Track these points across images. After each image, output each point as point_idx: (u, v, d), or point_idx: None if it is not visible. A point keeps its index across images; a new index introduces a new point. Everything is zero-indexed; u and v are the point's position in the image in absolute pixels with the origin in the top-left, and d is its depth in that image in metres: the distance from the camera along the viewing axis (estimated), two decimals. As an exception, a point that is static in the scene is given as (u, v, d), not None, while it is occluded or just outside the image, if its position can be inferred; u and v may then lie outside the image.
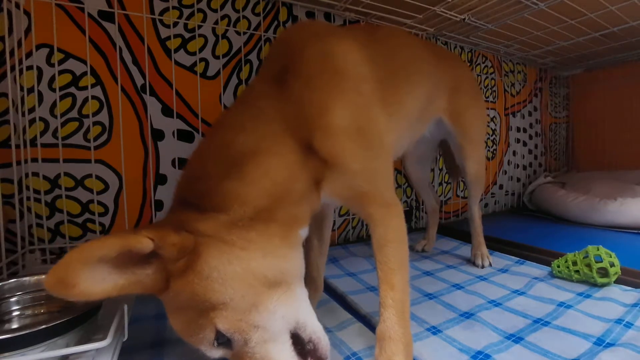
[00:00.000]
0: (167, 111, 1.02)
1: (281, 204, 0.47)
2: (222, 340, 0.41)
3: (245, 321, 0.41)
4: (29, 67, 0.86)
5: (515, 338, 0.62)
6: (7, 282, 0.59)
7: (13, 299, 0.58)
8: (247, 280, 0.41)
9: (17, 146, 0.84)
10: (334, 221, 1.30)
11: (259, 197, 0.45)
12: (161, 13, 1.00)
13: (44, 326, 0.45)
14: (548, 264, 0.95)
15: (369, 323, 0.69)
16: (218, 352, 0.42)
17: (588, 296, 0.78)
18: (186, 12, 1.03)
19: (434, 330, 0.66)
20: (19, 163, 0.84)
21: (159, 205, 1.01)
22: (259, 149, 0.48)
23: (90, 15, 0.91)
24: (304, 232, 0.51)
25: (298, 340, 0.45)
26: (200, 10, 1.05)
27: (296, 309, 0.45)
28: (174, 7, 1.01)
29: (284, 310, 0.43)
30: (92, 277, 0.35)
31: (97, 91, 0.94)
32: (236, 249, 0.42)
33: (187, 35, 1.04)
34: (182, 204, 0.46)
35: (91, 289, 0.35)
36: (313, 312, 0.47)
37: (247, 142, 0.48)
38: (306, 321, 0.45)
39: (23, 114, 0.85)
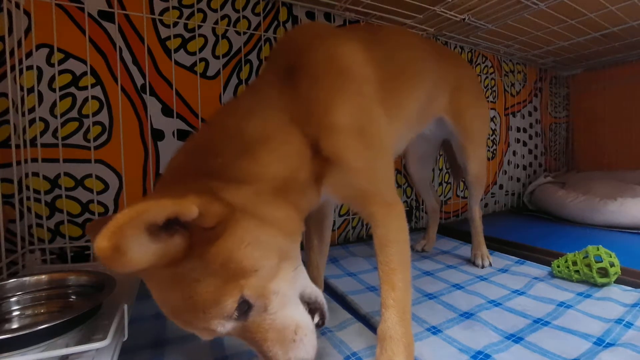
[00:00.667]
0: (167, 111, 1.02)
1: (291, 188, 0.48)
2: (243, 309, 0.41)
3: (267, 288, 0.42)
4: (29, 67, 0.86)
5: (515, 338, 0.62)
6: (7, 282, 0.59)
7: (13, 299, 0.58)
8: (277, 251, 0.44)
9: (17, 146, 0.84)
10: (334, 221, 1.30)
11: (274, 177, 0.47)
12: (161, 13, 1.00)
13: (44, 326, 0.45)
14: (548, 264, 0.95)
15: (369, 323, 0.69)
16: (229, 326, 0.41)
17: (588, 296, 0.78)
18: (186, 12, 1.03)
19: (434, 330, 0.66)
20: (19, 163, 0.84)
21: (159, 205, 1.01)
22: (271, 136, 0.49)
23: (90, 15, 0.91)
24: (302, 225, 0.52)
25: (306, 303, 0.49)
26: (200, 10, 1.05)
27: (304, 278, 0.49)
28: (174, 7, 1.01)
29: (296, 279, 0.47)
30: (138, 243, 0.32)
31: (97, 91, 0.94)
32: (268, 224, 0.43)
33: (187, 35, 1.04)
34: (193, 174, 0.45)
35: (138, 258, 0.32)
36: (312, 283, 0.52)
37: (258, 128, 0.49)
38: (312, 289, 0.50)
39: (23, 114, 0.85)
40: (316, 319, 0.49)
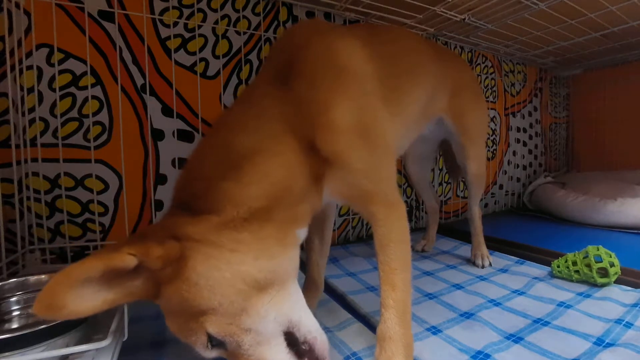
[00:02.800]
0: (167, 111, 1.02)
1: (280, 204, 0.46)
2: (216, 342, 0.41)
3: (235, 325, 0.41)
4: (29, 67, 0.86)
5: (515, 338, 0.62)
6: (7, 282, 0.59)
7: (13, 299, 0.58)
8: (236, 285, 0.40)
9: (17, 146, 0.84)
10: (334, 221, 1.30)
11: (256, 198, 0.44)
12: (161, 13, 1.00)
13: (44, 326, 0.45)
14: (548, 264, 0.95)
15: (369, 323, 0.69)
16: (213, 353, 0.43)
17: (588, 296, 0.78)
18: (186, 12, 1.03)
19: (434, 330, 0.66)
20: (19, 163, 0.84)
21: (159, 205, 1.01)
22: (258, 149, 0.47)
23: (90, 15, 0.91)
24: (302, 232, 0.50)
25: (294, 341, 0.45)
26: (200, 10, 1.05)
27: (289, 310, 0.44)
28: (174, 7, 1.01)
29: (275, 313, 0.43)
30: (80, 296, 0.35)
31: (97, 91, 0.94)
32: (225, 252, 0.41)
33: (187, 35, 1.04)
34: (177, 205, 0.46)
35: (80, 307, 0.35)
36: (308, 311, 0.47)
37: (246, 142, 0.48)
38: (300, 321, 0.45)
39: (23, 114, 0.85)
40: None
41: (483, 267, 1.00)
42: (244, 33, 1.11)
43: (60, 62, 0.89)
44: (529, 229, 1.45)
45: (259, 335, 0.42)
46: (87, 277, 0.35)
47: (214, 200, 0.44)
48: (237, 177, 0.45)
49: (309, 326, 0.45)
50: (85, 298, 0.36)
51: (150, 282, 0.40)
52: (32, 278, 0.60)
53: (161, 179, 1.02)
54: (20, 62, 0.85)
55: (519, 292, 0.82)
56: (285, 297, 0.44)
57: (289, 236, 0.47)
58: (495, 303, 0.76)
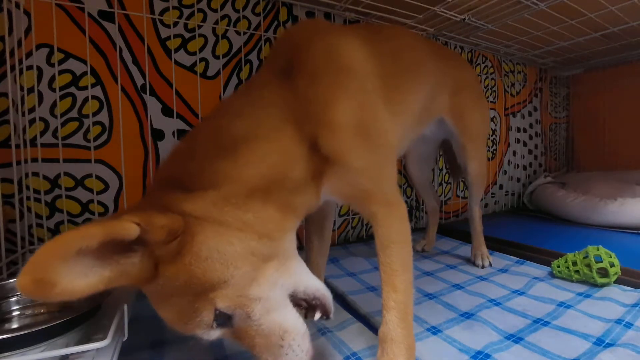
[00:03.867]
0: (167, 111, 1.02)
1: (277, 187, 0.46)
2: (221, 320, 0.41)
3: (245, 296, 0.41)
4: (29, 67, 0.86)
5: (515, 338, 0.62)
6: (7, 282, 0.59)
7: (13, 299, 0.58)
8: (247, 257, 0.41)
9: (17, 146, 0.84)
10: (334, 221, 1.30)
11: (252, 176, 0.44)
12: (161, 13, 1.00)
13: (44, 326, 0.45)
14: (548, 264, 0.95)
15: (369, 323, 0.69)
16: (216, 333, 0.42)
17: (588, 296, 0.78)
18: (186, 12, 1.03)
19: (434, 330, 0.66)
20: (19, 163, 0.84)
21: (159, 205, 1.01)
22: (256, 134, 0.47)
23: (90, 15, 0.91)
24: (296, 224, 0.51)
25: (303, 301, 0.47)
26: (200, 10, 1.05)
27: (294, 275, 0.46)
28: (174, 7, 1.01)
29: (282, 279, 0.45)
30: (74, 272, 0.31)
31: (97, 91, 0.94)
32: (233, 230, 0.41)
33: (187, 35, 1.04)
34: (163, 185, 0.44)
35: (74, 285, 0.31)
36: (312, 275, 0.49)
37: (244, 126, 0.48)
38: (307, 283, 0.47)
39: (23, 114, 0.85)
40: (317, 315, 0.48)
41: (483, 267, 1.00)
42: (244, 33, 1.11)
43: (60, 62, 0.89)
44: (529, 229, 1.45)
45: (268, 302, 0.42)
46: (84, 247, 0.31)
47: (210, 177, 0.43)
48: (233, 157, 0.45)
49: (317, 285, 0.48)
50: (79, 274, 0.31)
51: (148, 260, 0.37)
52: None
53: (161, 179, 1.02)
54: (20, 62, 0.85)
55: (519, 292, 0.82)
56: (289, 265, 0.46)
57: (287, 220, 0.47)
58: (496, 303, 0.76)
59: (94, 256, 0.33)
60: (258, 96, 0.52)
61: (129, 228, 0.33)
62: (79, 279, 0.32)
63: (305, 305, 0.47)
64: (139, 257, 0.37)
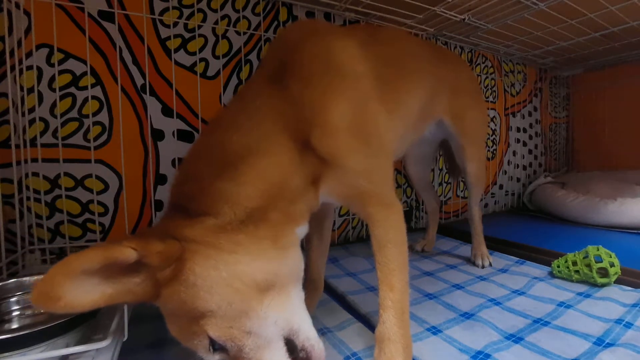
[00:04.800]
0: (167, 111, 1.02)
1: (275, 203, 0.46)
2: (218, 346, 0.41)
3: (236, 328, 0.40)
4: (29, 67, 0.86)
5: (515, 338, 0.62)
6: (7, 282, 0.59)
7: (13, 299, 0.58)
8: (234, 286, 0.40)
9: (17, 146, 0.84)
10: (334, 221, 1.30)
11: (252, 197, 0.44)
12: (161, 13, 1.00)
13: (44, 326, 0.45)
14: (548, 264, 0.95)
15: (369, 323, 0.69)
16: (216, 357, 0.42)
17: (588, 296, 0.78)
18: (186, 12, 1.03)
19: (434, 330, 0.66)
20: (19, 163, 0.84)
21: (159, 205, 1.01)
22: (253, 149, 0.47)
23: (90, 15, 0.91)
24: (301, 230, 0.50)
25: (292, 347, 0.44)
26: (200, 10, 1.05)
27: (290, 314, 0.44)
28: (174, 7, 1.01)
29: (275, 316, 0.42)
30: (78, 288, 0.35)
31: (97, 91, 0.94)
32: (223, 253, 0.41)
33: (187, 35, 1.04)
34: (173, 207, 0.46)
35: (77, 300, 0.35)
36: (308, 317, 0.46)
37: (241, 141, 0.47)
38: (300, 327, 0.44)
39: (23, 114, 0.85)
40: None
41: (483, 267, 1.00)
42: (244, 33, 1.11)
43: (60, 62, 0.89)
44: (529, 229, 1.45)
45: (260, 339, 0.41)
46: (87, 268, 0.34)
47: (210, 201, 0.44)
48: (232, 176, 0.45)
49: (308, 333, 0.44)
50: (83, 291, 0.35)
51: (150, 282, 0.40)
52: (32, 278, 0.60)
53: (161, 179, 1.02)
54: (20, 62, 0.85)
55: (519, 292, 0.82)
56: (286, 301, 0.44)
57: (286, 236, 0.46)
58: (496, 303, 0.76)
59: (99, 275, 0.36)
60: (252, 106, 0.52)
61: (126, 253, 0.36)
62: (83, 295, 0.35)
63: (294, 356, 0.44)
64: (142, 278, 0.39)
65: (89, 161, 0.93)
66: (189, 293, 0.39)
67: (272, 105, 0.51)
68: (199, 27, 1.05)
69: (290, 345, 0.44)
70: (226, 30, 1.09)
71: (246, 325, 0.40)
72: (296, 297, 0.46)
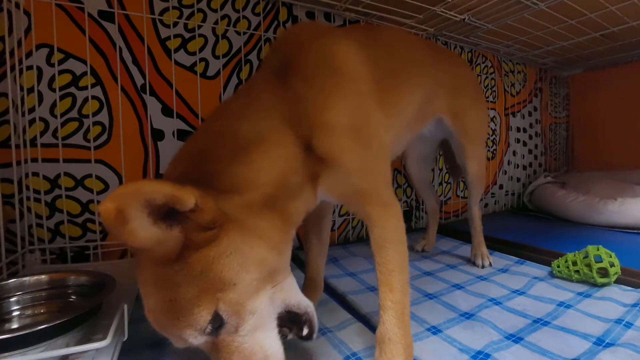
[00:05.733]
0: (167, 111, 1.02)
1: (282, 194, 0.47)
2: (216, 324, 0.40)
3: (245, 306, 0.41)
4: (29, 67, 0.86)
5: (515, 338, 0.62)
6: (7, 282, 0.59)
7: (13, 299, 0.58)
8: (259, 265, 0.42)
9: (17, 146, 0.84)
10: (334, 221, 1.30)
11: (266, 184, 0.46)
12: (161, 13, 1.00)
13: (44, 326, 0.45)
14: (548, 264, 0.95)
15: (369, 323, 0.69)
16: (201, 339, 0.41)
17: (588, 296, 0.78)
18: (186, 12, 1.03)
19: (434, 330, 0.66)
20: (19, 163, 0.84)
21: (159, 205, 1.01)
22: (264, 138, 0.48)
23: (90, 15, 0.91)
24: (293, 232, 0.51)
25: (293, 316, 0.47)
26: (200, 10, 1.05)
27: (290, 294, 0.47)
28: (174, 7, 1.01)
29: (277, 295, 0.45)
30: (139, 220, 0.33)
31: (97, 91, 0.94)
32: (255, 236, 0.42)
33: (187, 35, 1.04)
34: (188, 182, 0.44)
35: (138, 232, 0.33)
36: (300, 292, 0.50)
37: (252, 130, 0.48)
38: (299, 300, 0.48)
39: (23, 114, 0.85)
40: (305, 331, 0.48)
41: (483, 267, 1.00)
42: (244, 33, 1.11)
43: (60, 62, 0.89)
44: (529, 229, 1.45)
45: (259, 319, 0.42)
46: (153, 199, 0.33)
47: (231, 181, 0.44)
48: (248, 160, 0.46)
49: (307, 302, 0.49)
50: (142, 224, 0.34)
51: (181, 239, 0.38)
52: (32, 278, 0.60)
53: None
54: (20, 62, 0.85)
55: (519, 292, 0.82)
56: (286, 284, 0.47)
57: (289, 231, 0.49)
58: (496, 303, 0.76)
59: (149, 213, 0.34)
60: (258, 100, 0.53)
61: (188, 199, 0.35)
62: (141, 228, 0.34)
63: (289, 325, 0.47)
64: (177, 232, 0.37)
65: (89, 161, 0.93)
66: (222, 262, 0.39)
67: (277, 102, 0.52)
68: (199, 27, 1.05)
69: (291, 315, 0.47)
70: (226, 30, 1.09)
71: (254, 304, 0.42)
72: (291, 279, 0.49)
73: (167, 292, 0.39)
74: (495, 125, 1.80)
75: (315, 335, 0.49)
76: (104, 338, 0.45)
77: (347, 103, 0.53)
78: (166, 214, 0.36)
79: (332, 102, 0.52)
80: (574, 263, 0.86)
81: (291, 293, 0.48)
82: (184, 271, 0.38)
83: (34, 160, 0.87)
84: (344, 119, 0.52)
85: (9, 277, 0.61)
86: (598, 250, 0.85)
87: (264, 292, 0.43)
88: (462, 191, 1.67)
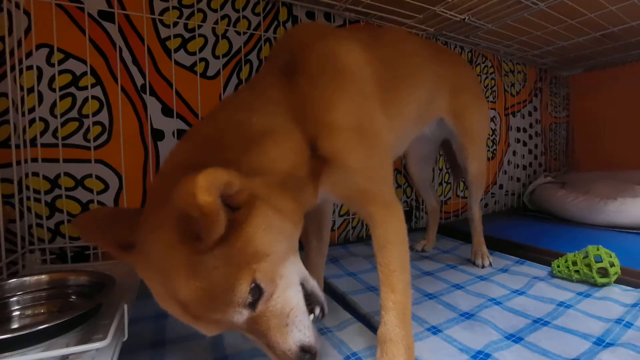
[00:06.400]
0: (167, 111, 1.02)
1: (291, 185, 0.48)
2: (255, 295, 0.41)
3: (276, 272, 0.43)
4: (29, 67, 0.86)
5: (515, 338, 0.62)
6: (7, 282, 0.59)
7: (13, 299, 0.58)
8: (286, 237, 0.44)
9: (17, 146, 0.84)
10: (334, 221, 1.30)
11: (279, 172, 0.47)
12: (161, 13, 1.00)
13: (44, 326, 0.45)
14: (548, 264, 0.95)
15: (369, 323, 0.69)
16: (243, 315, 0.41)
17: (588, 296, 0.78)
18: (186, 12, 1.03)
19: (434, 330, 0.66)
20: (19, 163, 0.84)
21: (159, 205, 1.01)
22: (275, 130, 0.49)
23: (90, 15, 0.91)
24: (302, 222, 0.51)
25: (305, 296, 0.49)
26: (200, 10, 1.05)
27: (302, 268, 0.49)
28: (174, 7, 1.01)
29: (298, 264, 0.48)
30: (221, 205, 0.35)
31: (97, 91, 0.94)
32: (278, 212, 0.44)
33: (187, 35, 1.04)
34: (191, 168, 0.44)
35: (222, 217, 0.35)
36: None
37: (263, 122, 0.49)
38: (307, 276, 0.50)
39: (23, 114, 0.85)
40: (317, 310, 0.50)
41: (483, 267, 1.00)
42: (244, 33, 1.11)
43: (60, 62, 0.89)
44: (529, 229, 1.45)
45: (288, 280, 0.45)
46: (229, 182, 0.35)
47: (249, 166, 0.44)
48: (263, 150, 0.47)
49: (313, 282, 0.50)
50: (221, 209, 0.35)
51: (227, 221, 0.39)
52: (32, 278, 0.60)
53: (161, 179, 1.01)
54: (20, 62, 0.85)
55: (519, 292, 0.82)
56: (299, 259, 0.49)
57: (301, 213, 0.50)
58: (496, 303, 0.76)
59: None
60: (266, 94, 0.53)
61: (236, 182, 0.36)
62: (222, 214, 0.35)
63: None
64: (228, 214, 0.38)
65: (89, 161, 0.93)
66: (259, 236, 0.40)
67: (284, 97, 0.52)
68: (199, 27, 1.05)
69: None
70: (226, 30, 1.09)
71: (283, 270, 0.44)
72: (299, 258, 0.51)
73: (204, 277, 0.38)
74: (495, 125, 1.80)
75: (326, 312, 0.51)
76: (104, 338, 0.45)
77: (352, 104, 0.54)
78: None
79: (337, 103, 0.52)
80: (574, 263, 0.86)
81: (303, 269, 0.50)
82: (224, 252, 0.38)
83: (34, 160, 0.87)
84: (349, 120, 0.53)
85: (9, 277, 0.61)
86: (598, 250, 0.85)
87: (289, 260, 0.45)
88: (462, 191, 1.67)
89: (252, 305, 0.41)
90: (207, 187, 0.32)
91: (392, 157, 0.67)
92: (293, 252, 0.47)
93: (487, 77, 1.72)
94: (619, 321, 0.65)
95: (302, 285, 0.48)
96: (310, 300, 0.49)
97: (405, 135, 0.83)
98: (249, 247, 0.40)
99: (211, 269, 0.38)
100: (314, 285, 0.50)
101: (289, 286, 0.45)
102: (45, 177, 0.89)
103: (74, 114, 0.91)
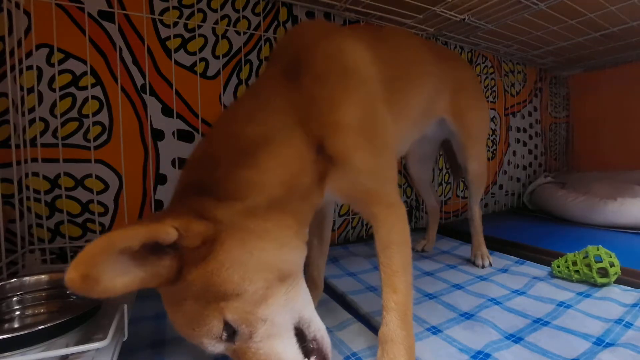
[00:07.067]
0: (167, 111, 1.02)
1: (292, 196, 0.47)
2: (229, 332, 0.40)
3: (254, 314, 0.40)
4: (29, 67, 0.86)
5: (515, 338, 0.62)
6: (7, 282, 0.59)
7: (13, 299, 0.58)
8: (263, 272, 0.41)
9: (17, 146, 0.84)
10: (334, 221, 1.30)
11: (274, 186, 0.45)
12: (161, 13, 1.00)
13: (44, 326, 0.45)
14: (548, 264, 0.95)
15: (369, 323, 0.69)
16: (220, 347, 0.42)
17: (588, 296, 0.78)
18: (186, 12, 1.03)
19: (434, 330, 0.66)
20: (19, 163, 0.84)
21: (159, 205, 1.01)
22: (272, 139, 0.48)
23: (90, 15, 0.91)
24: (307, 229, 0.51)
25: (301, 337, 0.45)
26: (200, 10, 1.05)
27: (302, 304, 0.45)
28: (174, 7, 1.01)
29: (291, 304, 0.44)
30: (115, 270, 0.32)
31: (97, 91, 0.94)
32: (254, 238, 0.41)
33: (187, 35, 1.04)
34: (193, 189, 0.44)
35: (114, 284, 0.32)
36: (315, 311, 0.48)
37: (259, 132, 0.48)
38: (311, 318, 0.46)
39: (23, 114, 0.85)
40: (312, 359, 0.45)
41: (483, 267, 1.00)
42: (244, 33, 1.11)
43: (60, 62, 0.89)
44: (529, 229, 1.45)
45: (273, 327, 0.42)
46: (127, 247, 0.32)
47: (236, 186, 0.44)
48: (255, 164, 0.45)
49: (318, 324, 0.46)
50: (118, 273, 0.33)
51: (176, 263, 0.38)
52: (32, 278, 0.60)
53: (161, 179, 1.02)
54: (20, 62, 0.85)
55: (519, 292, 0.82)
56: (299, 291, 0.45)
57: (302, 229, 0.48)
58: (496, 303, 0.76)
59: (129, 257, 0.34)
60: (266, 101, 0.53)
61: (169, 232, 0.35)
62: (119, 277, 0.33)
63: (303, 346, 0.45)
64: (169, 259, 0.38)
65: (89, 161, 0.93)
66: (221, 275, 0.38)
67: (286, 101, 0.52)
68: (199, 27, 1.05)
69: (300, 335, 0.45)
70: (226, 30, 1.09)
71: (264, 312, 0.41)
72: (305, 289, 0.47)
73: (179, 307, 0.40)
74: (495, 125, 1.80)
75: None
76: (103, 338, 0.45)
77: (359, 103, 0.53)
78: (155, 247, 0.36)
79: (344, 101, 0.52)
80: (574, 263, 0.86)
81: (305, 305, 0.46)
82: (186, 288, 0.39)
83: (34, 160, 0.87)
84: (356, 119, 0.52)
85: (9, 277, 0.61)
86: (598, 250, 0.85)
87: (274, 299, 0.42)
88: (462, 191, 1.67)
89: (230, 339, 0.41)
90: (79, 263, 0.30)
91: (396, 157, 0.66)
92: (283, 287, 0.43)
93: (487, 77, 1.72)
94: (619, 321, 0.65)
95: (301, 329, 0.44)
96: (310, 349, 0.44)
97: (407, 136, 0.83)
98: (211, 287, 0.39)
99: (182, 300, 0.40)
100: (318, 330, 0.45)
101: (274, 334, 0.41)
102: (45, 177, 0.89)
103: (74, 114, 0.91)
